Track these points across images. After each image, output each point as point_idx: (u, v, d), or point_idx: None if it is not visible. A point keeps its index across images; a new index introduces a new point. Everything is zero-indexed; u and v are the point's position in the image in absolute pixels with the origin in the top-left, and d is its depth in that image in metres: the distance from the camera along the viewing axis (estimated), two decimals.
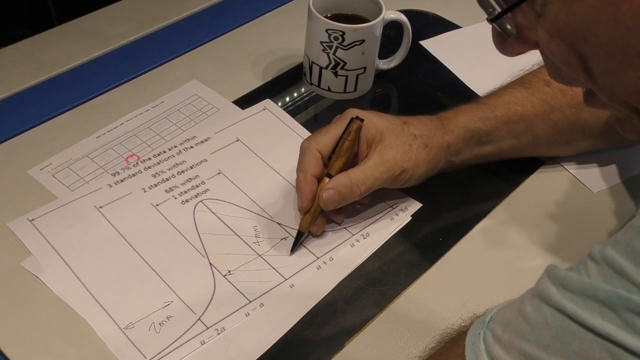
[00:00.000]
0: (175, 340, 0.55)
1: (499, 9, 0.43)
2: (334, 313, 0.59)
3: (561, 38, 0.41)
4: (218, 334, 0.56)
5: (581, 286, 0.38)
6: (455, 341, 0.48)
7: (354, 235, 0.65)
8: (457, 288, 0.61)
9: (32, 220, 0.63)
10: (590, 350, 0.37)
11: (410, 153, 0.63)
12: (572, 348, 0.38)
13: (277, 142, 0.73)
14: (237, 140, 0.73)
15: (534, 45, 0.45)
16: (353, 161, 0.64)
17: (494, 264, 0.63)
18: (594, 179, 0.71)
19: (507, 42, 0.45)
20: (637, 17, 0.37)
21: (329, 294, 0.60)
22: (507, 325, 0.42)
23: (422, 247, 0.65)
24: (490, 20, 0.44)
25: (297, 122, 0.76)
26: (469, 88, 0.82)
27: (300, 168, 0.63)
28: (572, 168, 0.73)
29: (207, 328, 0.56)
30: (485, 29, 0.47)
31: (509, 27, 0.44)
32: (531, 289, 0.42)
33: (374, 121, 0.64)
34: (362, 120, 0.63)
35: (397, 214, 0.67)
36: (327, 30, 0.75)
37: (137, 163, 0.70)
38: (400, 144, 0.63)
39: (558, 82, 0.47)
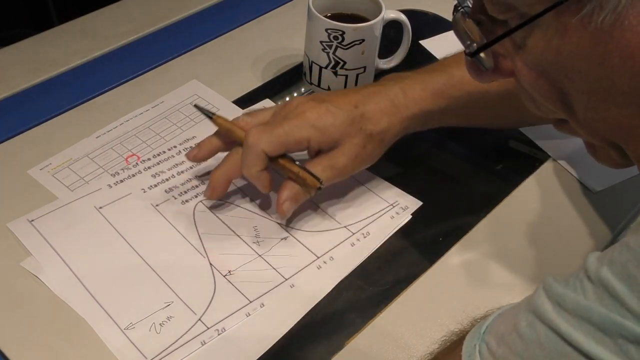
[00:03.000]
0: (176, 341, 0.55)
1: (475, 44, 0.42)
2: (334, 313, 0.59)
3: (541, 72, 0.40)
4: (218, 334, 0.56)
5: (577, 307, 0.37)
6: (453, 348, 0.47)
7: (354, 234, 0.65)
8: (457, 288, 0.61)
9: (32, 220, 0.63)
10: None
11: (363, 154, 0.63)
12: None
13: None
14: None
15: (510, 74, 0.44)
16: None
17: (493, 263, 0.63)
18: (594, 178, 0.71)
19: (484, 73, 0.44)
20: (625, 56, 0.36)
21: (329, 294, 0.60)
22: (502, 339, 0.41)
23: (422, 247, 0.65)
24: (470, 54, 0.42)
25: None
26: None
27: (245, 165, 0.61)
28: (572, 168, 0.72)
29: (208, 328, 0.56)
30: None
31: (486, 59, 0.43)
32: (527, 300, 0.42)
33: (328, 131, 0.61)
34: (320, 188, 0.61)
35: (397, 212, 0.67)
36: (327, 30, 0.75)
37: (137, 163, 0.70)
38: (354, 147, 0.62)
39: (533, 111, 0.45)
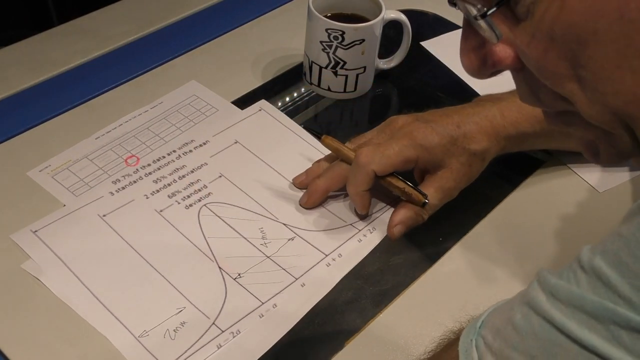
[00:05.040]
0: (192, 346, 0.55)
1: (483, 9, 0.39)
2: (334, 313, 0.59)
3: (550, 41, 0.37)
4: (234, 337, 0.56)
5: (570, 296, 0.38)
6: (450, 345, 0.48)
7: (360, 230, 0.65)
8: (457, 288, 0.61)
9: (35, 231, 0.62)
10: None
11: (469, 173, 0.65)
12: None
13: (276, 142, 0.74)
14: (235, 143, 0.73)
15: (503, 61, 0.41)
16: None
17: (494, 264, 0.63)
18: (600, 178, 0.71)
19: (485, 62, 0.42)
20: None
21: (329, 294, 0.60)
22: (497, 332, 0.42)
23: (422, 247, 0.65)
24: (482, 16, 0.39)
25: (292, 121, 0.76)
26: (470, 88, 0.82)
27: (353, 183, 0.63)
28: (576, 167, 0.72)
29: (223, 331, 0.56)
30: None
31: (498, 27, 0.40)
32: (521, 294, 0.42)
33: (434, 150, 0.63)
34: (425, 203, 0.63)
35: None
36: (327, 30, 0.75)
37: (137, 169, 0.69)
38: (460, 166, 0.64)
39: (532, 104, 0.44)
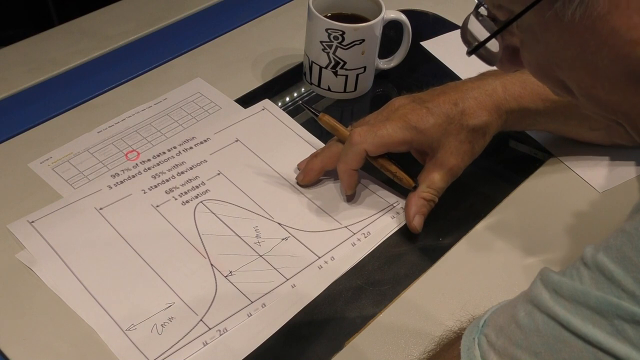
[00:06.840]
0: (178, 342, 0.55)
1: (475, 43, 0.46)
2: (334, 313, 0.59)
3: (537, 63, 0.44)
4: (220, 335, 0.56)
5: (573, 292, 0.38)
6: (451, 344, 0.48)
7: (355, 234, 0.65)
8: (457, 288, 0.61)
9: (32, 222, 0.63)
10: (580, 358, 0.37)
11: (470, 150, 0.65)
12: (563, 356, 0.38)
13: (277, 142, 0.74)
14: (236, 141, 0.73)
15: (513, 69, 0.49)
16: None
17: (494, 264, 0.63)
18: (600, 178, 0.71)
19: (503, 64, 0.48)
20: (599, 44, 0.39)
21: (329, 294, 0.60)
22: (501, 331, 0.42)
23: (422, 247, 0.65)
24: (468, 53, 0.46)
25: (296, 122, 0.76)
26: None
27: (344, 160, 0.64)
28: (576, 167, 0.72)
29: (210, 329, 0.56)
30: None
31: (493, 54, 0.46)
32: (524, 293, 0.42)
33: (429, 132, 0.64)
34: (415, 187, 0.65)
35: (398, 212, 0.67)
36: (327, 30, 0.75)
37: (137, 164, 0.70)
38: (459, 144, 0.64)
39: (553, 93, 0.49)
